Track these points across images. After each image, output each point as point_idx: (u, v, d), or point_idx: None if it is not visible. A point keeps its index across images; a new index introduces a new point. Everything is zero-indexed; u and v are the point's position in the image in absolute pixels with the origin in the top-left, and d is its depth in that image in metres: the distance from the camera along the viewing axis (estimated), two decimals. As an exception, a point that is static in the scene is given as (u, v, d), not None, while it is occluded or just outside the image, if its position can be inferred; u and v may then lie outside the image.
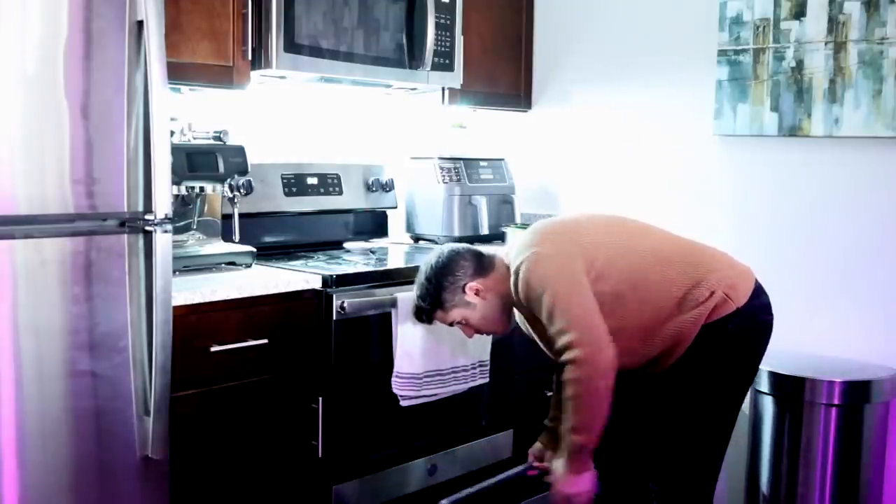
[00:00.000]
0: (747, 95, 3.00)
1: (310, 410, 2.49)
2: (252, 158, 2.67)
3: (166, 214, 1.99)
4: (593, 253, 2.16)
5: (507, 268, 2.24)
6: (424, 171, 3.37)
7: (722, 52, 3.05)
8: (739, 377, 2.30)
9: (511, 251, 2.26)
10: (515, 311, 2.32)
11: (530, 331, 2.32)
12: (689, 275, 2.20)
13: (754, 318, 2.26)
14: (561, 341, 2.07)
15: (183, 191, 2.51)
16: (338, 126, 3.34)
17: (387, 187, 3.31)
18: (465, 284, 2.23)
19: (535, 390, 2.94)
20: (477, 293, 2.24)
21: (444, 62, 3.03)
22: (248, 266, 2.61)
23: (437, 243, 3.35)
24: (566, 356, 2.06)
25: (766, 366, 2.79)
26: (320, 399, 2.50)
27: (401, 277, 2.68)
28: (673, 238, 2.32)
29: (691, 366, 2.21)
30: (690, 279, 2.19)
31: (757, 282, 2.29)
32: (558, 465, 2.16)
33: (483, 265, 2.27)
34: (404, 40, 2.92)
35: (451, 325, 2.31)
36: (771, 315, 2.29)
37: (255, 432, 2.37)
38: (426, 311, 2.28)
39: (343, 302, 2.49)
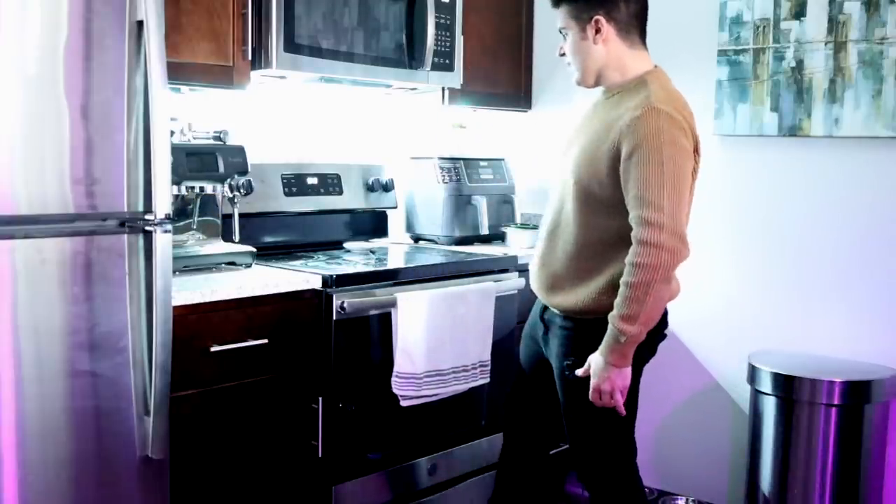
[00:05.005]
0: (747, 95, 3.00)
1: (310, 410, 2.49)
2: (252, 158, 2.68)
3: (166, 214, 2.00)
4: None
5: (639, 74, 2.17)
6: (424, 171, 3.37)
7: (722, 52, 3.05)
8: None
9: (656, 80, 2.15)
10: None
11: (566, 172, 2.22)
12: None
13: (663, 326, 2.26)
14: (648, 215, 1.99)
15: (183, 191, 2.51)
16: (338, 126, 3.34)
17: (387, 187, 3.31)
18: (596, 17, 2.13)
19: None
20: (597, 31, 2.15)
21: (444, 62, 3.03)
22: (248, 266, 2.61)
23: (437, 243, 3.35)
24: (647, 234, 1.99)
25: (766, 366, 2.80)
26: (320, 399, 2.50)
27: (401, 277, 2.68)
28: None
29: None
30: None
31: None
32: (596, 358, 2.11)
33: (630, 29, 2.17)
34: (404, 40, 2.92)
35: (560, 30, 2.23)
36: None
37: (255, 432, 2.37)
38: None
39: (343, 302, 2.49)
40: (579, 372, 2.15)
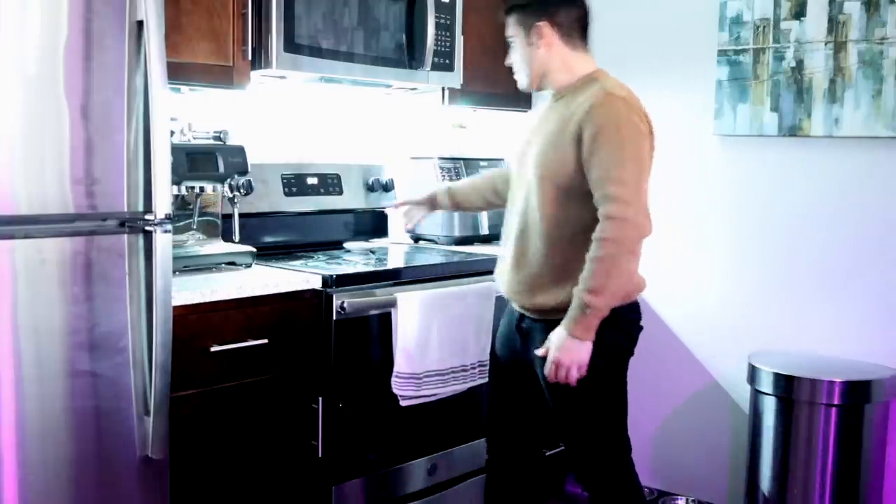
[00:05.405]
0: (747, 95, 3.00)
1: (310, 410, 2.49)
2: (252, 158, 2.68)
3: (166, 214, 2.00)
4: None
5: (587, 73, 2.25)
6: (424, 171, 3.37)
7: (722, 52, 3.05)
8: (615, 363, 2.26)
9: (605, 76, 2.24)
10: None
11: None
12: None
13: (638, 318, 2.29)
14: (614, 191, 2.06)
15: (183, 191, 2.52)
16: (338, 126, 3.34)
17: (387, 187, 3.31)
18: (539, 24, 2.21)
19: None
20: (540, 36, 2.23)
21: (444, 62, 3.03)
22: (248, 266, 2.61)
23: (437, 243, 3.35)
24: (613, 209, 2.06)
25: (766, 366, 2.80)
26: (320, 399, 2.50)
27: (401, 277, 2.68)
28: None
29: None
30: None
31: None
32: (559, 332, 2.12)
33: (572, 34, 2.25)
34: (404, 40, 2.92)
35: (508, 38, 2.31)
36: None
37: (255, 432, 2.38)
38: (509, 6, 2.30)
39: (343, 302, 2.49)
40: (539, 351, 2.17)
